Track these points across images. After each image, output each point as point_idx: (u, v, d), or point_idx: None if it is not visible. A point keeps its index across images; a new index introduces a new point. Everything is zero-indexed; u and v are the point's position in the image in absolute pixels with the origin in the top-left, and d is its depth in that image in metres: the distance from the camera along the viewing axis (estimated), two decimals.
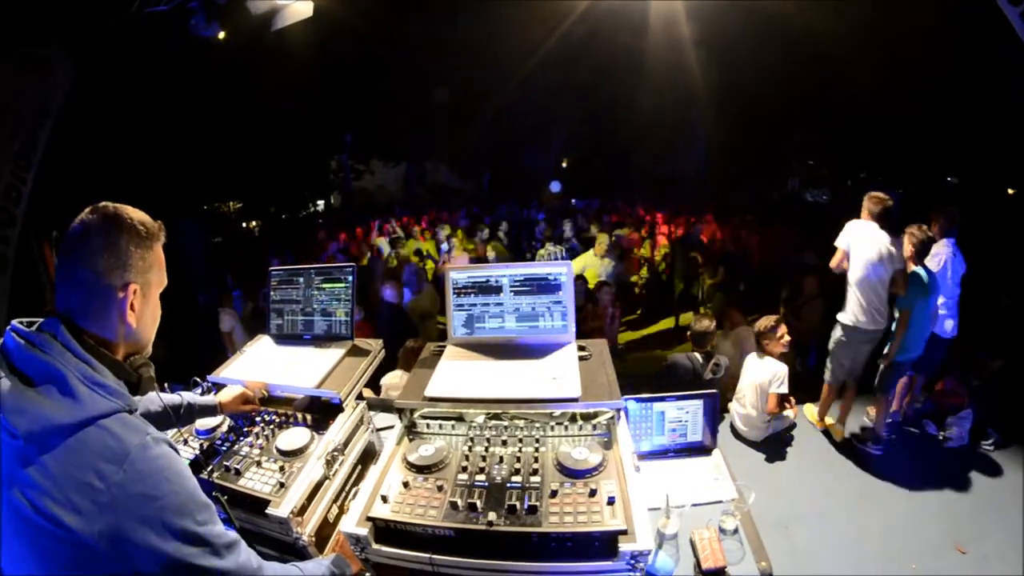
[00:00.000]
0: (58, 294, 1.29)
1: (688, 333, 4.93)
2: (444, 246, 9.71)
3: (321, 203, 18.93)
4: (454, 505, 1.65)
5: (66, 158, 6.36)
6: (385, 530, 1.69)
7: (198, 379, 2.57)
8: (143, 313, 1.36)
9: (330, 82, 13.27)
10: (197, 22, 5.49)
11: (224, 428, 2.37)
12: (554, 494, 1.67)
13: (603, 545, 1.55)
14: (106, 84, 6.76)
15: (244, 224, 16.26)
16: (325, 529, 2.04)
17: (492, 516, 1.58)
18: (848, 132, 13.60)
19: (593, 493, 1.65)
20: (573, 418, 1.99)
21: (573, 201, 14.15)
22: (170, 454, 1.22)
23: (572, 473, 1.76)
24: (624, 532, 1.53)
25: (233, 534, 1.28)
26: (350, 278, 2.64)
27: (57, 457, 1.10)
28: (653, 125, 16.43)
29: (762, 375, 4.34)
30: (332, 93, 13.82)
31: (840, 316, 4.57)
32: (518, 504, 1.62)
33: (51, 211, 6.41)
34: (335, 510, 2.12)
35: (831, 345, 4.68)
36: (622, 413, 1.98)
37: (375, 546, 1.67)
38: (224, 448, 2.23)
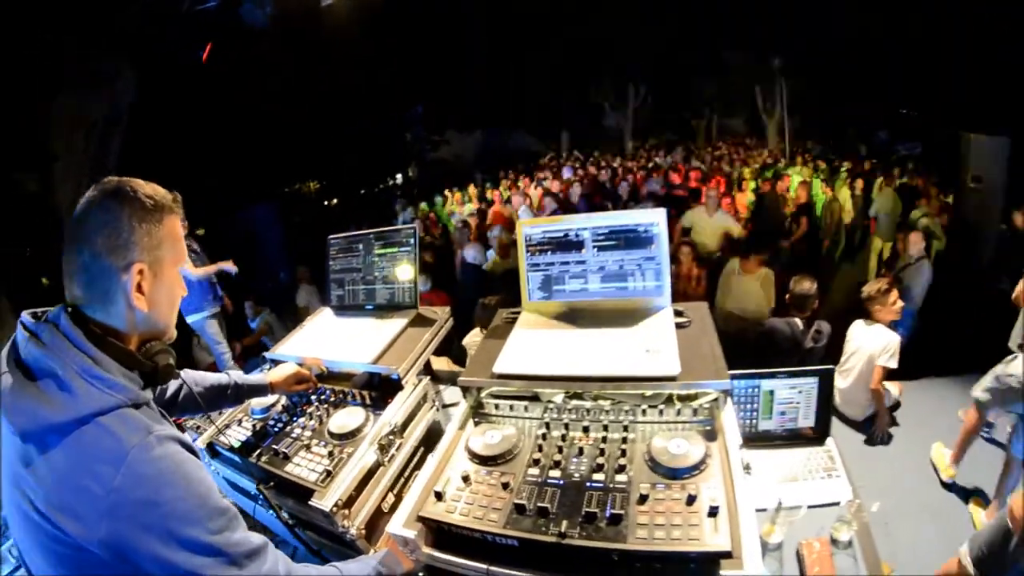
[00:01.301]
0: (65, 282, 1.18)
1: (787, 296, 4.41)
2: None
3: (399, 176, 19.06)
4: (520, 508, 1.35)
5: (141, 159, 6.75)
6: (438, 532, 1.43)
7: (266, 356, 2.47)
8: (155, 295, 1.22)
9: (395, 55, 13.24)
10: (249, 9, 5.54)
11: (280, 407, 2.21)
12: (643, 499, 1.33)
13: (700, 569, 1.21)
14: (169, 86, 7.05)
15: (325, 203, 16.53)
16: (380, 519, 1.82)
17: (565, 525, 1.27)
18: (945, 76, 11.97)
19: (692, 500, 1.30)
20: (669, 399, 1.65)
21: (656, 160, 13.49)
22: (176, 454, 1.10)
23: (666, 472, 1.41)
24: (728, 555, 1.18)
25: (257, 540, 1.15)
26: (411, 240, 2.40)
27: (54, 458, 1.02)
28: (732, 76, 15.50)
29: (873, 345, 3.80)
30: (399, 66, 13.79)
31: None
32: (598, 511, 1.29)
33: None
34: (391, 499, 1.90)
35: (988, 386, 3.38)
36: (727, 395, 1.61)
37: (425, 549, 1.42)
38: (277, 429, 2.07)
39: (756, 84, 16.78)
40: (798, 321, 4.27)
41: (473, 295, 5.51)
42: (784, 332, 4.28)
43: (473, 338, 4.68)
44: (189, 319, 5.90)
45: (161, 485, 1.03)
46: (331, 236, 2.68)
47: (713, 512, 1.26)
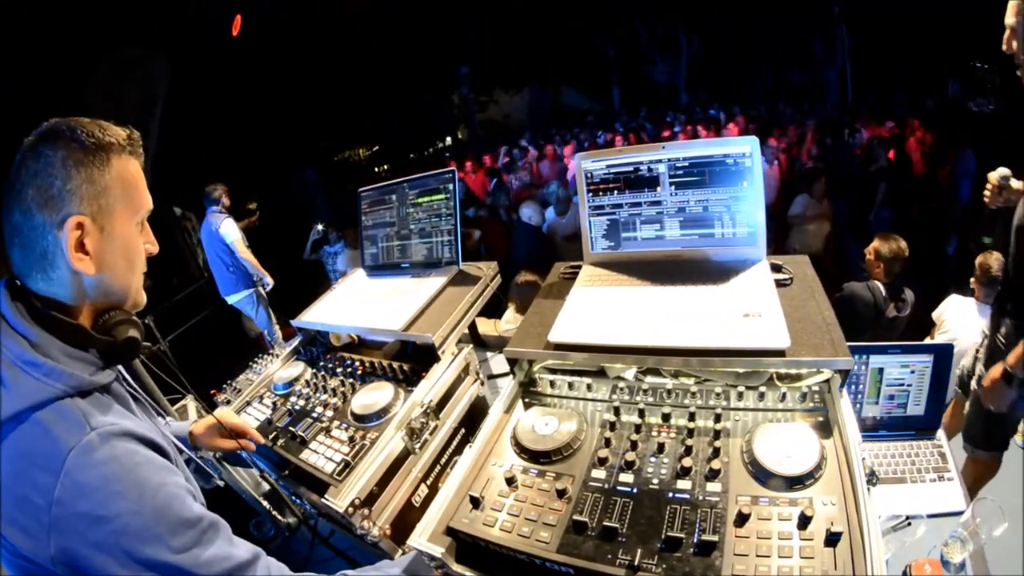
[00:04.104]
0: (7, 250, 1.01)
1: (871, 257, 3.90)
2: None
3: (449, 139, 18.89)
4: (579, 526, 1.03)
5: (182, 142, 6.87)
6: (473, 547, 1.13)
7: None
8: (106, 253, 1.02)
9: (440, 16, 12.96)
10: None
11: (303, 382, 1.97)
12: (742, 519, 0.99)
13: None
14: (204, 65, 7.24)
15: (376, 169, 16.48)
16: (409, 515, 1.55)
17: (639, 553, 0.95)
18: None
19: (805, 522, 0.96)
20: (770, 380, 1.29)
21: (712, 112, 12.82)
22: (127, 455, 0.91)
23: (772, 480, 1.06)
24: None
25: (243, 554, 0.97)
26: (450, 187, 2.07)
27: None
28: (789, 27, 14.84)
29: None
30: (444, 27, 13.50)
31: None
32: (684, 536, 0.97)
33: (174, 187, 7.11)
34: (424, 490, 1.62)
35: None
36: (845, 376, 1.23)
37: (456, 567, 1.13)
38: (298, 407, 1.82)
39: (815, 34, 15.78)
40: (880, 286, 3.79)
41: (530, 258, 5.13)
42: (865, 298, 3.80)
43: (507, 323, 3.97)
44: (229, 300, 5.99)
45: (108, 496, 0.86)
46: (362, 188, 2.40)
47: (832, 540, 0.93)
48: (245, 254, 5.69)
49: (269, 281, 5.95)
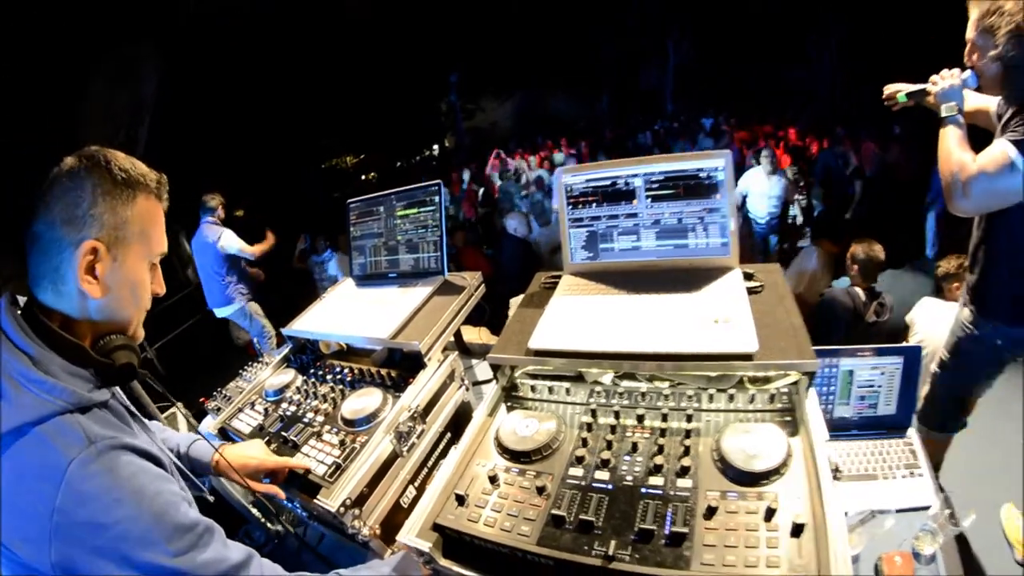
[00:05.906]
0: (27, 259, 1.06)
1: (851, 263, 3.99)
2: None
3: (436, 147, 18.94)
4: (558, 520, 1.09)
5: (170, 145, 6.94)
6: (459, 542, 1.19)
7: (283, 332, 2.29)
8: (113, 282, 1.07)
9: (429, 23, 13.03)
10: None
11: (293, 388, 2.02)
12: (711, 512, 1.05)
13: None
14: (195, 71, 7.27)
15: (363, 177, 16.51)
16: (397, 515, 1.59)
17: (613, 545, 1.01)
18: None
19: (771, 514, 1.02)
20: (740, 383, 1.36)
21: (703, 121, 12.94)
22: (124, 466, 0.96)
23: (740, 476, 1.12)
24: None
25: (237, 556, 1.03)
26: (436, 199, 2.14)
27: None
28: (776, 29, 14.99)
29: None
30: (432, 34, 13.57)
31: None
32: (656, 528, 1.03)
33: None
34: (412, 492, 1.68)
35: None
36: (811, 378, 1.29)
37: (443, 562, 1.19)
38: (289, 413, 1.87)
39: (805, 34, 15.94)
40: (859, 291, 3.87)
41: (517, 271, 5.13)
42: (844, 303, 3.87)
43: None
44: (219, 313, 5.87)
45: (108, 504, 0.91)
46: (350, 200, 2.46)
47: (797, 531, 0.99)
48: (254, 250, 5.63)
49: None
